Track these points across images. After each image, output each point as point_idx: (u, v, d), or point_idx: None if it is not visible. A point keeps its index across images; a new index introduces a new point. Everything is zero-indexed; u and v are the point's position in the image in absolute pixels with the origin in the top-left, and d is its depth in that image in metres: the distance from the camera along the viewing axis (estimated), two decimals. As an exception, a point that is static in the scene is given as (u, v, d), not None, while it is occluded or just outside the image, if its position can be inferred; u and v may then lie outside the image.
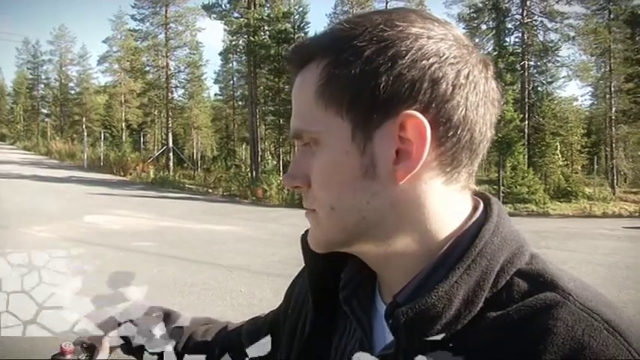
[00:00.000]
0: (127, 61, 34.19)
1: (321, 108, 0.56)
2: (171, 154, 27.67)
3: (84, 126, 32.13)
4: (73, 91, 45.08)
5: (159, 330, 0.93)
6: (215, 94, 39.56)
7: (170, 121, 30.15)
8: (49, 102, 45.90)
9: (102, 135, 30.90)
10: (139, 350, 0.94)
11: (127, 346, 0.94)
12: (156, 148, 33.37)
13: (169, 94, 30.41)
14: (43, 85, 46.88)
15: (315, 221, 0.61)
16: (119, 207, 13.52)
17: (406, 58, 0.53)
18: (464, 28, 21.99)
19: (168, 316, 0.94)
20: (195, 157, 34.47)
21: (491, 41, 23.86)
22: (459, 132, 0.54)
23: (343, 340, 0.67)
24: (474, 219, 0.58)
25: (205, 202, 16.64)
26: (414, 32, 0.55)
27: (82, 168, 26.83)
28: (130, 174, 24.28)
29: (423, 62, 0.53)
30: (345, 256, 0.64)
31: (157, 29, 30.71)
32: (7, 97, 56.95)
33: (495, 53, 22.01)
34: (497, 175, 20.51)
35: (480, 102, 0.56)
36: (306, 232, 0.65)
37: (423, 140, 0.53)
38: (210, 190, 20.15)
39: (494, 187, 19.65)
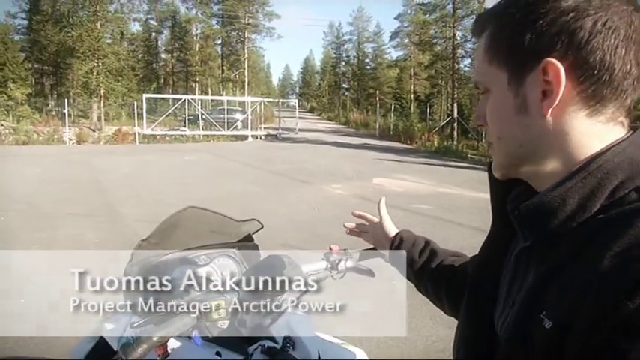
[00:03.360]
0: (416, 34, 35.52)
1: (487, 63, 0.72)
2: (455, 124, 27.88)
3: (377, 98, 34.79)
4: (368, 67, 49.32)
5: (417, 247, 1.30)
6: (504, 63, 37.89)
7: (456, 92, 30.41)
8: (349, 77, 51.47)
9: (392, 106, 33.19)
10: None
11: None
12: (442, 118, 34.00)
13: (455, 64, 30.65)
14: (344, 63, 52.77)
15: (492, 152, 0.77)
16: (403, 172, 14.59)
17: (547, 17, 0.65)
18: None
19: (428, 243, 1.32)
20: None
21: None
22: (596, 72, 0.63)
23: (511, 247, 0.81)
24: (613, 145, 0.66)
25: (485, 173, 16.42)
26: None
27: (375, 136, 29.47)
28: (416, 143, 25.55)
29: (562, 19, 0.64)
30: (519, 183, 0.78)
31: (444, 0, 31.20)
32: (315, 74, 66.11)
33: None
34: None
35: (620, 44, 0.63)
36: (491, 162, 0.81)
37: (559, 81, 0.64)
38: (492, 161, 19.80)
39: None
